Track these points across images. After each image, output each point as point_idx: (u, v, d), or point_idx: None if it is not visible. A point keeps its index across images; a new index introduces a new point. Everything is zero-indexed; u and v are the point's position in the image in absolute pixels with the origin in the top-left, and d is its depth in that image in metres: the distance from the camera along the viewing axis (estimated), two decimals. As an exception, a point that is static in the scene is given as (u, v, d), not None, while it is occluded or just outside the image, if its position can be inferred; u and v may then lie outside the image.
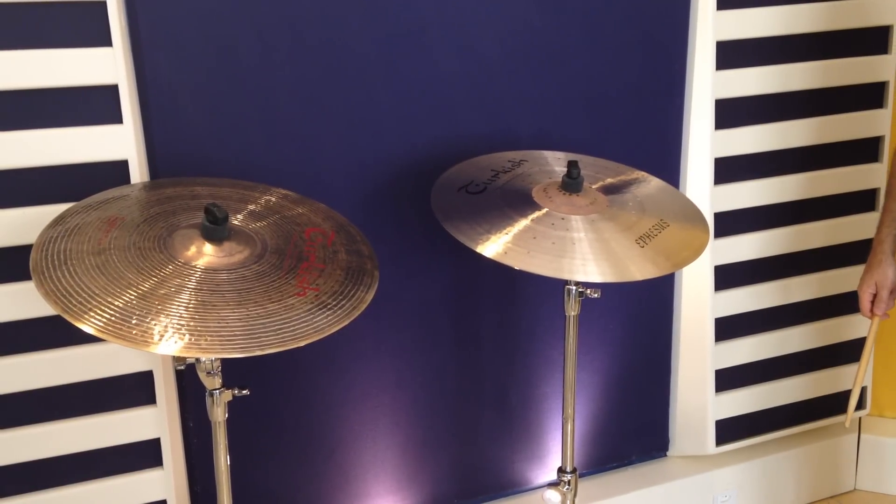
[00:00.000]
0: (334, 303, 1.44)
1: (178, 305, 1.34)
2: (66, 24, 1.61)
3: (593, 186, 1.83)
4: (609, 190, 1.83)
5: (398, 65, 1.90)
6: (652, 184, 1.91)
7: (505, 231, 1.66)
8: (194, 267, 1.41)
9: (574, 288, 1.80)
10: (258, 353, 1.32)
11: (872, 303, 1.90)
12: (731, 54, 2.16)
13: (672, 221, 1.78)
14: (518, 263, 1.61)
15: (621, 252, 1.66)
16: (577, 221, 1.70)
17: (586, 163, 1.91)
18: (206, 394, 1.49)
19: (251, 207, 1.61)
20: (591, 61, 2.08)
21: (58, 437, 1.74)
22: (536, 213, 1.71)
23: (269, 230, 1.55)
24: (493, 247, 1.63)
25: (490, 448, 2.23)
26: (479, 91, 1.99)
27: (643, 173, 1.94)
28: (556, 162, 1.91)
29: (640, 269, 1.64)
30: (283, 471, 2.02)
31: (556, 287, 1.81)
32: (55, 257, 1.38)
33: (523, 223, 1.68)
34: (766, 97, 2.22)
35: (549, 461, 2.29)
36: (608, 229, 1.70)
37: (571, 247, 1.65)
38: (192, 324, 1.32)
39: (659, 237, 1.72)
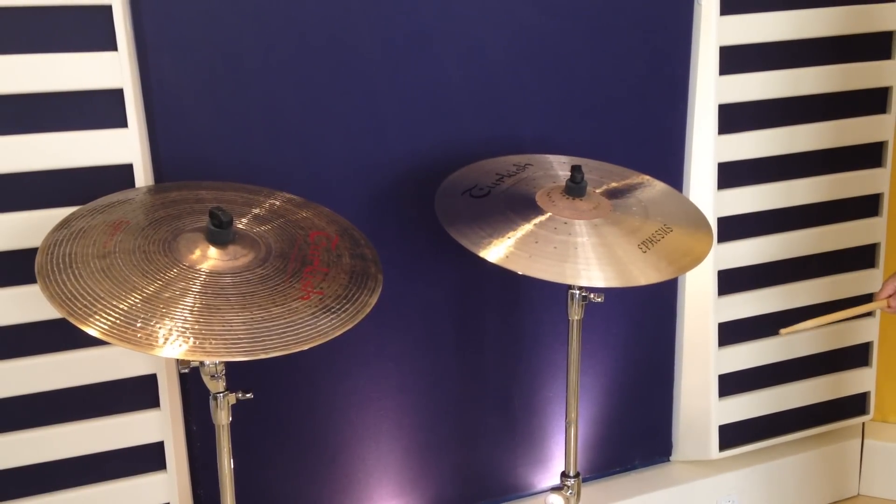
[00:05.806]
0: (338, 306, 1.45)
1: (183, 309, 1.34)
2: (72, 28, 1.61)
3: (597, 191, 1.83)
4: (613, 194, 1.83)
5: (402, 69, 1.91)
6: (656, 188, 1.91)
7: (508, 235, 1.66)
8: (199, 270, 1.41)
9: (577, 292, 1.80)
10: (262, 356, 1.32)
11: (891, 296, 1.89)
12: (735, 59, 2.16)
13: (675, 226, 1.78)
14: (521, 268, 1.61)
15: (624, 257, 1.66)
16: (580, 226, 1.70)
17: (590, 166, 1.91)
18: (210, 397, 1.49)
19: (255, 211, 1.61)
20: (595, 66, 2.08)
21: (61, 441, 1.74)
22: (540, 218, 1.71)
23: (274, 234, 1.55)
24: (495, 251, 1.63)
25: (493, 452, 2.23)
26: (484, 95, 1.99)
27: (647, 177, 1.94)
28: (560, 166, 1.91)
29: (643, 274, 1.64)
30: (287, 474, 2.02)
31: (560, 291, 1.81)
32: (60, 260, 1.38)
33: (526, 227, 1.68)
34: (769, 102, 2.22)
35: (552, 465, 2.29)
36: (611, 234, 1.70)
37: (574, 251, 1.65)
38: (196, 327, 1.32)
39: (662, 242, 1.72)
